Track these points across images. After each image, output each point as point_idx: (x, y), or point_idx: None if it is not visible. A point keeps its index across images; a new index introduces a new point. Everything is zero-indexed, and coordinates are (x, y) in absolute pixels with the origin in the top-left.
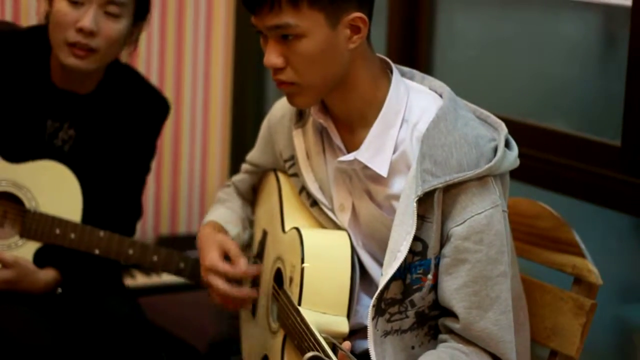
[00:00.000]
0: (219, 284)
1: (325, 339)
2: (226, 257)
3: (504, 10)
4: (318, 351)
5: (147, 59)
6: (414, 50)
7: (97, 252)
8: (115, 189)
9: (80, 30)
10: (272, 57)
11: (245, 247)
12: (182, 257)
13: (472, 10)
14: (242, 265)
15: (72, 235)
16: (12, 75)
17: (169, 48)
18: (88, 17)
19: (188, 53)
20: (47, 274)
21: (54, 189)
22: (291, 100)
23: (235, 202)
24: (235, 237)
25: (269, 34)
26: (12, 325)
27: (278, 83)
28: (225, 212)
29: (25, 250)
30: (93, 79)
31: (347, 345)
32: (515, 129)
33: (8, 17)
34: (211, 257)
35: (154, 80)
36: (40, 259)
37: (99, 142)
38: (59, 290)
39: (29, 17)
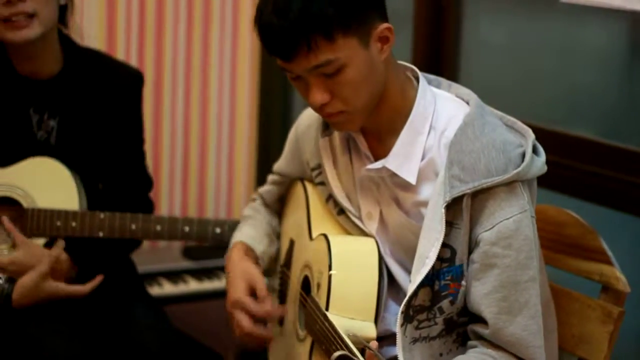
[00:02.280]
0: (244, 321)
1: (353, 341)
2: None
3: (529, 18)
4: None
5: (173, 66)
6: (440, 57)
7: (100, 234)
8: (115, 169)
9: (8, 2)
10: (318, 96)
11: (273, 260)
12: (186, 220)
13: (498, 17)
14: (269, 305)
15: (74, 224)
16: None
17: (194, 56)
18: None
19: (214, 60)
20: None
21: (46, 183)
22: (340, 128)
23: (261, 217)
24: (262, 254)
25: (308, 75)
26: (42, 336)
27: (326, 116)
28: (250, 230)
29: None
30: (52, 57)
31: (374, 344)
32: (542, 136)
33: None
34: (238, 291)
35: (180, 89)
36: None
37: (82, 128)
38: (74, 271)
39: None
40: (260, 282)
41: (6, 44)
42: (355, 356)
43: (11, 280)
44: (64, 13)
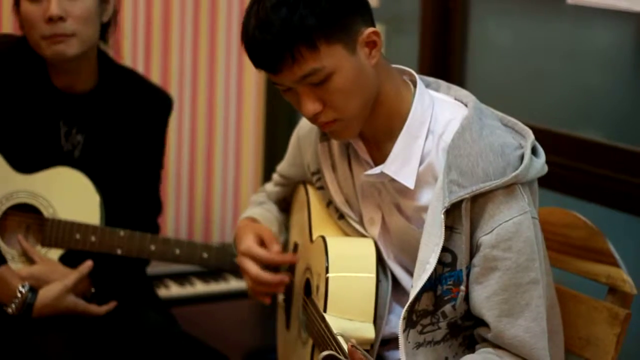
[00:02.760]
0: (253, 268)
1: (344, 339)
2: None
3: (536, 19)
4: (337, 352)
5: (180, 67)
6: (446, 60)
7: (119, 252)
8: (130, 189)
9: (50, 20)
10: (310, 105)
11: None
12: (205, 246)
13: (505, 19)
14: (276, 250)
15: (93, 238)
16: (16, 85)
17: (201, 57)
18: (52, 5)
19: (221, 63)
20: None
21: (69, 194)
22: (337, 137)
23: (271, 205)
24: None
25: (297, 85)
26: (47, 343)
27: (321, 125)
28: (262, 212)
29: None
30: (88, 73)
31: (353, 340)
32: (549, 138)
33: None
34: (246, 242)
35: (186, 89)
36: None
37: (107, 145)
38: (92, 290)
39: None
40: (267, 231)
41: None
42: (345, 356)
43: (33, 290)
44: (105, 29)
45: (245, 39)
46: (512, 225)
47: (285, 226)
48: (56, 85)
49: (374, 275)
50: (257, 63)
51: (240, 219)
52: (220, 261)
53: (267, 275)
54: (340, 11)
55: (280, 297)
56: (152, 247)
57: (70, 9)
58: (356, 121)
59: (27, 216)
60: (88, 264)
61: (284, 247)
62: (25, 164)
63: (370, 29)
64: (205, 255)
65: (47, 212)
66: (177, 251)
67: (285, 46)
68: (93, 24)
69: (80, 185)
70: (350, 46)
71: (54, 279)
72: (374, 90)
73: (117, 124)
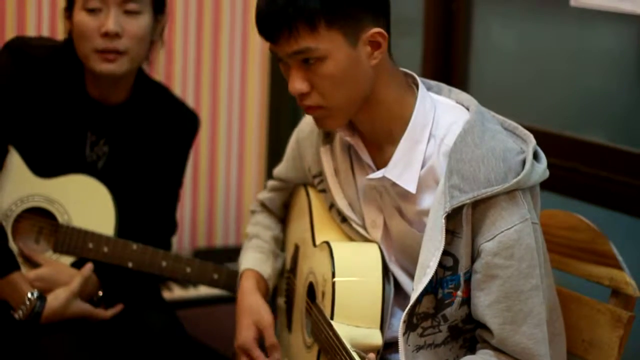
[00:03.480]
0: None
1: (357, 353)
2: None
3: (540, 22)
4: None
5: (183, 68)
6: (449, 62)
7: (130, 265)
8: (148, 205)
9: (105, 35)
10: (297, 83)
11: (280, 273)
12: (216, 268)
13: (508, 22)
14: (275, 358)
15: (105, 249)
16: (50, 91)
17: (205, 58)
18: (110, 20)
19: (224, 63)
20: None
21: (86, 202)
22: (320, 124)
23: (264, 234)
24: (269, 276)
25: (290, 60)
26: (51, 344)
27: (305, 108)
28: (255, 254)
29: None
30: (125, 87)
31: (372, 356)
32: (552, 141)
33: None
34: (246, 337)
35: (190, 89)
36: None
37: (131, 159)
38: (100, 293)
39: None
40: (269, 328)
41: (86, 66)
42: None
43: (41, 298)
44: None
45: (256, 10)
46: (514, 233)
47: (281, 240)
48: (90, 95)
49: (380, 279)
50: (260, 30)
51: (240, 269)
52: (229, 285)
53: None
54: (349, 1)
55: (281, 300)
56: (164, 264)
57: (127, 26)
58: (340, 113)
59: (41, 220)
60: (89, 266)
61: (282, 268)
62: (46, 169)
63: (377, 29)
64: (215, 276)
65: (61, 218)
66: (188, 269)
67: (286, 18)
68: (145, 43)
69: (98, 195)
70: (351, 38)
71: (61, 280)
72: (366, 89)
73: (143, 138)
